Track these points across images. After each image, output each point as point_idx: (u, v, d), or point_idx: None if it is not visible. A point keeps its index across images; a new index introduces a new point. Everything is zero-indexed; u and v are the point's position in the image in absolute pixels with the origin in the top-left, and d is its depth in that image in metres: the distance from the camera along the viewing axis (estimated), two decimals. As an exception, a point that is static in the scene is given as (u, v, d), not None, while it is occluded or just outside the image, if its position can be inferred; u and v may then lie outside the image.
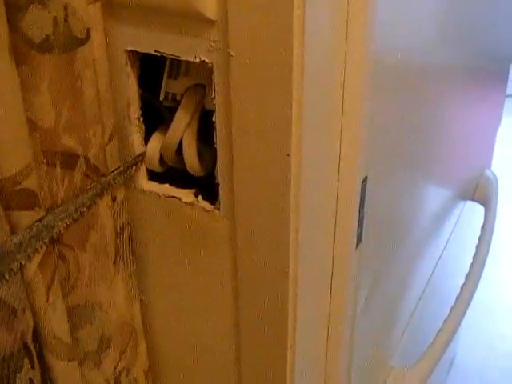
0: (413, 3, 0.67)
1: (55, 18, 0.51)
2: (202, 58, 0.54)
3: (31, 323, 0.55)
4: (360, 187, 0.64)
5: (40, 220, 0.54)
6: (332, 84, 0.57)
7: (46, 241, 0.54)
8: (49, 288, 0.56)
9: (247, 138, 0.55)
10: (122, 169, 0.62)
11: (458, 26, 0.90)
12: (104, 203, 0.61)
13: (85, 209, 0.58)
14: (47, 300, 0.56)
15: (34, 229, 0.53)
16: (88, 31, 0.55)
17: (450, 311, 1.17)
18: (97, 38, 0.57)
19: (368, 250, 0.71)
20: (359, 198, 0.64)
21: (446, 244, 1.24)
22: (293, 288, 0.61)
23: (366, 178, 0.65)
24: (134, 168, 0.63)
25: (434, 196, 1.06)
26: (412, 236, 0.96)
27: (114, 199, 0.63)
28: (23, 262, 0.52)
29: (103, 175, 0.60)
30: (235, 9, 0.50)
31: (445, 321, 1.15)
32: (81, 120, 0.57)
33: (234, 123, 0.55)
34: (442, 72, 0.89)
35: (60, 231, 0.56)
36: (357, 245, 0.67)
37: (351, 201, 0.64)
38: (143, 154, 0.63)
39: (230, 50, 0.52)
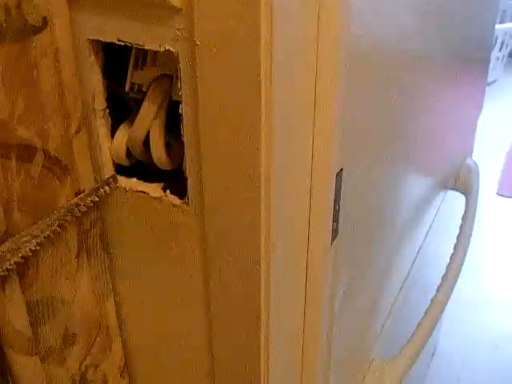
0: (389, -11, 0.65)
1: (6, 4, 0.49)
2: (167, 47, 0.52)
3: None
4: (335, 180, 0.62)
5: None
6: (304, 74, 0.55)
7: (12, 262, 0.53)
8: (4, 280, 0.54)
9: (215, 130, 0.53)
10: (87, 192, 0.60)
11: (438, 14, 0.88)
12: (64, 194, 0.59)
13: (49, 232, 0.56)
14: (4, 292, 0.55)
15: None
16: (44, 19, 0.52)
17: (431, 302, 1.15)
18: (59, 26, 0.54)
19: (345, 243, 0.69)
20: (334, 191, 0.62)
21: (427, 234, 1.23)
22: (265, 283, 0.59)
23: (341, 170, 0.63)
24: (104, 189, 0.61)
25: (415, 186, 1.05)
26: (392, 227, 0.94)
27: (79, 192, 0.61)
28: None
29: (66, 167, 0.58)
30: (200, -3, 0.48)
31: (426, 311, 1.14)
32: (38, 111, 0.54)
33: (202, 115, 0.53)
34: (422, 60, 0.87)
35: (26, 253, 0.55)
36: (333, 239, 0.65)
37: (325, 194, 0.62)
38: (114, 177, 0.61)
39: (195, 39, 0.49)
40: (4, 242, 0.54)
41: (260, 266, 0.58)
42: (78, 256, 0.63)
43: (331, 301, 0.70)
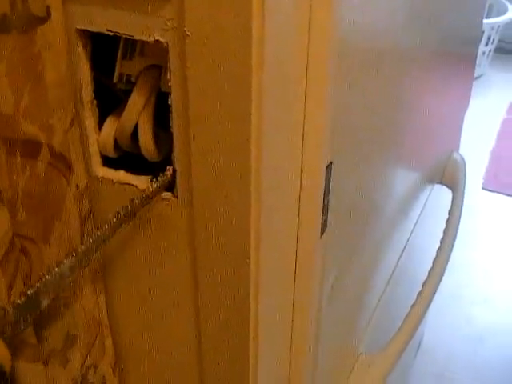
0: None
1: None
2: (157, 38, 0.51)
3: None
4: (325, 173, 0.62)
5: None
6: (294, 65, 0.55)
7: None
8: (12, 285, 0.53)
9: (204, 122, 0.52)
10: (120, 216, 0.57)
11: (425, 8, 0.88)
12: (70, 192, 0.58)
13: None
14: (9, 298, 0.53)
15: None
16: (48, 9, 0.51)
17: (417, 296, 1.15)
18: (56, 16, 0.52)
19: (333, 236, 0.69)
20: (324, 184, 0.62)
21: (414, 228, 1.23)
22: (254, 277, 0.59)
23: (330, 163, 0.62)
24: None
25: (402, 180, 1.05)
26: (379, 221, 0.94)
27: (77, 187, 0.60)
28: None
29: (70, 164, 0.57)
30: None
31: (412, 306, 1.14)
32: (43, 105, 0.53)
33: (191, 106, 0.52)
34: (410, 55, 0.87)
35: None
36: (322, 232, 0.65)
37: (316, 187, 0.62)
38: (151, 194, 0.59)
39: (185, 29, 0.49)
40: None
41: (250, 260, 0.57)
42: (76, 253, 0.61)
43: (320, 294, 0.70)
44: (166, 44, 0.51)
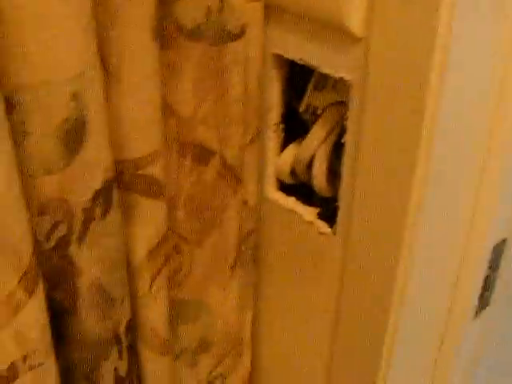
0: None
1: (209, 7, 0.50)
2: (342, 75, 0.52)
3: (127, 315, 0.54)
4: (492, 250, 0.58)
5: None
6: (473, 130, 0.53)
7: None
8: (154, 278, 0.55)
9: (373, 165, 0.52)
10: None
11: None
12: (234, 205, 0.60)
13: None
14: (150, 289, 0.56)
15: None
16: (243, 27, 0.53)
17: None
18: (253, 36, 0.55)
19: (497, 314, 0.64)
20: (490, 261, 0.59)
21: None
22: (391, 337, 0.57)
23: (504, 240, 0.59)
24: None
25: None
26: None
27: (245, 203, 0.62)
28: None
29: (239, 178, 0.59)
30: (380, 29, 0.47)
31: None
32: (222, 115, 0.55)
33: (362, 147, 0.52)
34: None
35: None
36: (481, 309, 0.62)
37: (477, 264, 0.58)
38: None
39: (369, 70, 0.49)
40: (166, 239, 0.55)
41: (389, 317, 0.56)
42: (233, 267, 0.64)
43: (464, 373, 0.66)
44: (349, 82, 0.51)
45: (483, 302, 0.61)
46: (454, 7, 0.44)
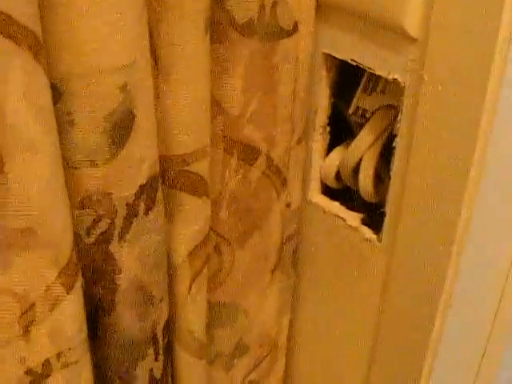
0: None
1: (263, 2, 0.49)
2: (396, 77, 0.50)
3: (165, 315, 0.53)
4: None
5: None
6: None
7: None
8: (194, 278, 0.54)
9: (423, 171, 0.50)
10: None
11: None
12: (278, 207, 0.59)
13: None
14: (189, 290, 0.54)
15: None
16: (296, 24, 0.52)
17: None
18: (304, 33, 0.53)
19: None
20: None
21: None
22: (432, 353, 0.55)
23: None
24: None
25: None
26: None
27: (288, 205, 0.61)
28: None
29: (285, 179, 0.57)
30: (438, 31, 0.46)
31: None
32: (271, 115, 0.54)
33: (413, 153, 0.50)
34: None
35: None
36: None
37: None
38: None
39: (423, 73, 0.47)
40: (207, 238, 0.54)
41: (432, 330, 0.54)
42: (273, 270, 0.62)
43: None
44: (403, 84, 0.50)
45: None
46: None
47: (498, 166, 0.48)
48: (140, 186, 0.45)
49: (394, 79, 0.50)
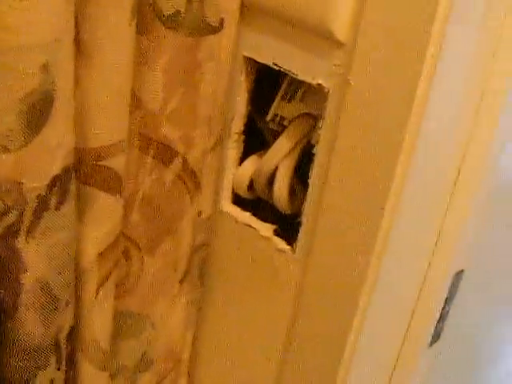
0: None
1: None
2: (320, 82, 0.49)
3: (70, 321, 0.49)
4: (451, 281, 0.57)
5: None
6: (449, 154, 0.51)
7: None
8: (102, 283, 0.51)
9: (343, 181, 0.49)
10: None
11: None
12: (190, 213, 0.56)
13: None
14: (96, 296, 0.51)
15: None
16: (222, 21, 0.50)
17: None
18: (228, 32, 0.51)
19: (449, 347, 0.63)
20: (447, 292, 0.57)
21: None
22: (344, 368, 0.54)
23: (462, 271, 0.58)
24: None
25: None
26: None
27: (199, 214, 0.58)
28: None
29: (199, 184, 0.55)
30: (367, 36, 0.45)
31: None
32: (190, 114, 0.51)
33: (334, 162, 0.50)
34: None
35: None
36: (434, 341, 0.60)
37: (437, 292, 0.57)
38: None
39: (349, 78, 0.47)
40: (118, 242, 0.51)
41: (346, 341, 0.53)
42: (181, 281, 0.59)
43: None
44: (327, 90, 0.49)
45: (436, 333, 0.59)
46: (447, 17, 0.43)
47: (420, 176, 0.48)
48: (53, 177, 0.42)
49: (319, 84, 0.49)
